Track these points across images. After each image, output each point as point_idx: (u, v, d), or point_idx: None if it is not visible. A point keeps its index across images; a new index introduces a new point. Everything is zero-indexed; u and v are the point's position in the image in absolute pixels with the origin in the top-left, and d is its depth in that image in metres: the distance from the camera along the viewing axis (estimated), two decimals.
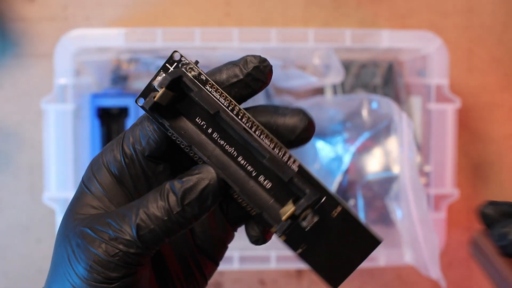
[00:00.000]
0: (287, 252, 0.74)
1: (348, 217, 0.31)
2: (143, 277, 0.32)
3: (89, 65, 0.77)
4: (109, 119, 0.80)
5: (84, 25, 0.80)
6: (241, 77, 0.32)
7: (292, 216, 0.30)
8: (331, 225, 0.31)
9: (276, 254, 0.74)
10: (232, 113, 0.31)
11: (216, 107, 0.31)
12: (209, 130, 0.32)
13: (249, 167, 0.32)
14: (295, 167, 0.31)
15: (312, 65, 0.76)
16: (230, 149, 0.32)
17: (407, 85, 0.81)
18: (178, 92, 0.32)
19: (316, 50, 0.75)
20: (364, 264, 0.31)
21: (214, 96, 0.31)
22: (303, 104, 0.80)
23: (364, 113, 0.77)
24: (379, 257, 0.75)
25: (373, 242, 0.31)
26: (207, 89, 0.31)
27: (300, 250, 0.31)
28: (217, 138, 0.32)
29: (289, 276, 0.83)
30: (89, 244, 0.31)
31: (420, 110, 0.79)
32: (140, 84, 0.80)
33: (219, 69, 0.33)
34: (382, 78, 0.81)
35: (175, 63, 0.32)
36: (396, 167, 0.76)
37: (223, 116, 0.31)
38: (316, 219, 0.30)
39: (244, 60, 0.32)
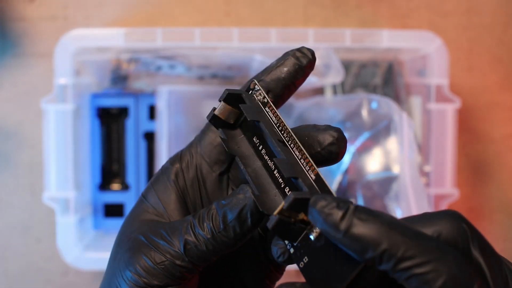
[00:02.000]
0: None
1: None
2: None
3: (89, 65, 0.77)
4: (109, 119, 0.80)
5: (84, 25, 0.80)
6: (289, 55, 0.35)
7: (281, 211, 0.29)
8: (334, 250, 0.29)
9: None
10: (278, 129, 0.33)
11: (260, 118, 0.33)
12: (260, 147, 0.34)
13: (280, 180, 0.32)
14: (312, 175, 0.31)
15: None
16: (271, 164, 0.33)
17: (407, 85, 0.81)
18: (240, 110, 0.34)
19: (316, 50, 0.75)
20: None
21: (268, 114, 0.33)
22: (303, 104, 0.80)
23: (364, 113, 0.77)
24: None
25: (355, 266, 0.28)
26: (265, 111, 0.34)
27: (302, 264, 0.30)
28: (263, 153, 0.34)
29: (289, 276, 0.83)
30: (139, 249, 0.32)
31: (420, 110, 0.79)
32: (140, 84, 0.80)
33: (273, 62, 0.35)
34: (382, 78, 0.81)
35: (250, 91, 0.35)
36: (396, 167, 0.76)
37: (259, 124, 0.33)
38: (318, 231, 0.29)
39: (293, 54, 0.35)
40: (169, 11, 0.81)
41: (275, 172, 0.32)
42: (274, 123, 0.33)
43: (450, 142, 0.75)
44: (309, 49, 0.35)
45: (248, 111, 0.33)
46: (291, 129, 0.33)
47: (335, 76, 0.73)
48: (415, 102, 0.79)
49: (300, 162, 0.31)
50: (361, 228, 0.26)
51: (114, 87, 0.80)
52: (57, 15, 0.80)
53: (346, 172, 0.78)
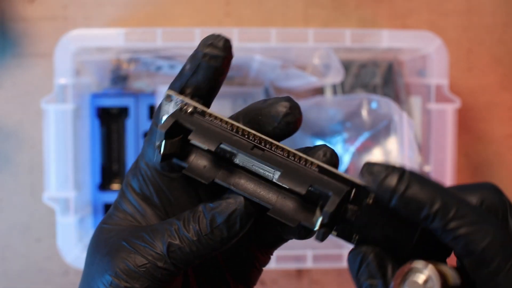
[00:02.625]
0: (287, 252, 0.74)
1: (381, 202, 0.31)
2: None
3: (89, 65, 0.77)
4: (109, 119, 0.80)
5: (84, 25, 0.80)
6: (199, 61, 0.31)
7: (322, 225, 0.30)
8: (372, 211, 0.31)
9: (276, 254, 0.74)
10: (238, 134, 0.31)
11: (217, 138, 0.31)
12: (227, 155, 0.32)
13: (275, 187, 0.32)
14: (315, 168, 0.31)
15: (312, 65, 0.76)
16: (253, 169, 0.32)
17: (407, 85, 0.81)
18: (182, 133, 0.32)
19: (316, 50, 0.75)
20: None
21: (215, 125, 0.31)
22: (303, 104, 0.80)
23: (364, 113, 0.77)
24: None
25: None
26: (207, 120, 0.32)
27: (354, 241, 0.32)
28: (237, 163, 0.32)
29: (289, 276, 0.83)
30: (119, 252, 0.31)
31: (420, 110, 0.79)
32: (140, 84, 0.80)
33: (185, 64, 0.32)
34: (382, 78, 0.81)
35: (171, 103, 0.32)
36: None
37: (225, 147, 0.31)
38: (355, 208, 0.31)
39: (199, 43, 0.32)
40: (169, 11, 0.81)
41: (261, 172, 0.32)
42: (230, 130, 0.31)
43: (450, 142, 0.75)
44: (219, 41, 0.32)
45: (201, 139, 0.31)
46: (242, 115, 0.32)
47: (335, 76, 0.73)
48: (415, 102, 0.79)
49: (290, 161, 0.31)
50: (417, 189, 0.28)
51: (114, 87, 0.80)
52: (57, 15, 0.80)
53: (346, 172, 0.78)
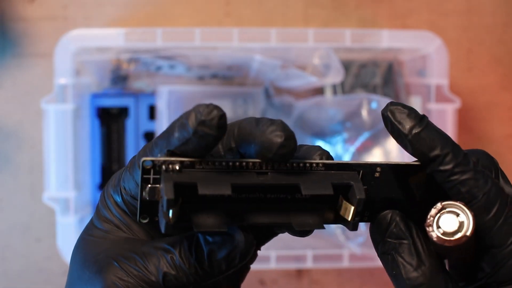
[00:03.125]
0: (287, 252, 0.74)
1: (389, 168, 0.33)
2: None
3: (89, 65, 0.77)
4: (109, 119, 0.80)
5: (84, 25, 0.80)
6: (189, 136, 0.29)
7: (357, 213, 0.31)
8: (380, 184, 0.33)
9: (276, 254, 0.74)
10: (236, 170, 0.30)
11: (226, 182, 0.29)
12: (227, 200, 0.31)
13: (282, 195, 0.31)
14: (321, 168, 0.31)
15: (312, 65, 0.76)
16: (255, 195, 0.31)
17: (407, 85, 0.81)
18: (181, 195, 0.30)
19: (316, 50, 0.75)
20: (364, 264, 0.31)
21: (210, 170, 0.30)
22: (303, 104, 0.80)
23: (364, 113, 0.77)
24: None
25: (420, 170, 0.33)
26: (199, 169, 0.30)
27: (366, 218, 0.33)
28: (238, 196, 0.31)
29: (289, 276, 0.83)
30: (110, 273, 0.31)
31: (420, 110, 0.79)
32: (140, 84, 0.80)
33: (172, 129, 0.30)
34: (382, 78, 0.81)
35: (151, 170, 0.29)
36: None
37: (238, 185, 0.30)
38: (364, 188, 0.32)
39: (193, 113, 0.29)
40: (169, 11, 0.81)
41: (269, 196, 0.31)
42: (225, 169, 0.30)
43: None
44: (212, 120, 0.29)
45: (211, 188, 0.29)
46: (234, 138, 0.31)
47: (335, 76, 0.73)
48: (415, 102, 0.79)
49: (296, 170, 0.31)
50: (434, 131, 0.31)
51: (114, 87, 0.80)
52: (57, 15, 0.80)
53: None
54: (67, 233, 0.72)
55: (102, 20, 0.80)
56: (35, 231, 0.81)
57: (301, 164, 0.31)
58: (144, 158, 0.29)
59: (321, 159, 0.32)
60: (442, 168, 0.31)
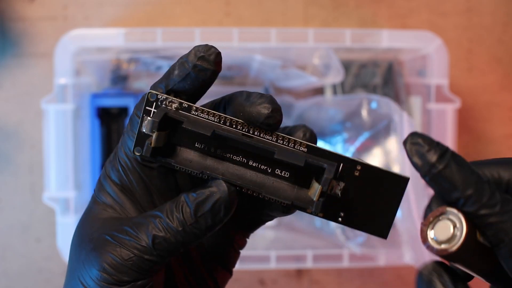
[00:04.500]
0: (287, 252, 0.74)
1: (370, 170, 0.32)
2: (154, 284, 0.33)
3: (89, 65, 0.77)
4: (109, 119, 0.80)
5: (84, 25, 0.80)
6: (189, 70, 0.32)
7: (322, 193, 0.32)
8: (358, 184, 0.32)
9: (276, 254, 0.74)
10: (226, 125, 0.32)
11: (210, 127, 0.32)
12: (212, 149, 0.33)
13: (262, 167, 0.33)
14: (303, 149, 0.32)
15: (312, 65, 0.76)
16: (239, 158, 0.33)
17: (407, 85, 0.81)
18: (169, 128, 0.33)
19: (316, 50, 0.75)
20: (364, 264, 0.31)
21: (203, 117, 0.32)
22: (303, 104, 0.80)
23: (364, 113, 0.77)
24: (379, 257, 0.75)
25: (402, 182, 0.33)
26: (194, 114, 0.32)
27: (340, 219, 0.33)
28: (222, 154, 0.33)
29: (289, 276, 0.83)
30: (105, 247, 0.32)
31: (420, 110, 0.79)
32: (140, 84, 0.80)
33: (173, 66, 0.33)
34: (382, 78, 0.81)
35: (154, 103, 0.33)
36: (396, 167, 0.76)
37: (219, 132, 0.32)
38: (342, 184, 0.32)
39: (192, 52, 0.32)
40: (169, 11, 0.81)
41: (250, 163, 0.33)
42: (217, 122, 0.32)
43: (450, 142, 0.75)
44: (210, 55, 0.32)
45: (198, 127, 0.32)
46: (225, 105, 0.33)
47: (335, 76, 0.73)
48: (415, 102, 0.79)
49: (280, 143, 0.32)
50: (455, 170, 0.29)
51: (114, 87, 0.80)
52: (57, 15, 0.80)
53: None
54: (67, 233, 0.72)
55: (102, 20, 0.80)
56: (35, 231, 0.81)
57: (286, 140, 0.32)
58: (150, 90, 0.32)
59: (304, 135, 0.33)
60: (466, 210, 0.29)
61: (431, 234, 0.30)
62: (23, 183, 0.80)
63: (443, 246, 0.29)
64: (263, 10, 0.82)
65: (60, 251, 0.72)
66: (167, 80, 0.33)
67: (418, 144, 0.30)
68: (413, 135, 0.30)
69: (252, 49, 0.74)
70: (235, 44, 0.72)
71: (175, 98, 0.33)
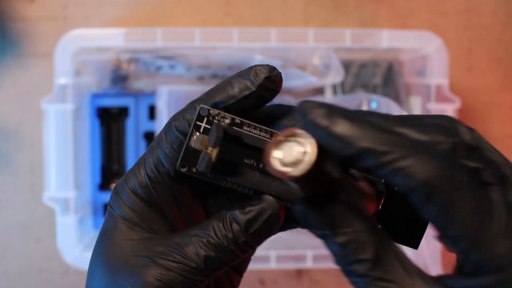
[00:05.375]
0: (287, 251, 0.74)
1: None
2: None
3: (89, 65, 0.77)
4: (109, 119, 0.80)
5: (84, 25, 0.80)
6: (253, 89, 0.32)
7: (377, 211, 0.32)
8: (395, 196, 0.32)
9: (276, 254, 0.74)
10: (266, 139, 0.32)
11: (264, 143, 0.32)
12: (260, 165, 0.32)
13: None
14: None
15: (312, 65, 0.76)
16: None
17: (407, 85, 0.81)
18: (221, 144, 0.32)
19: (316, 50, 0.75)
20: None
21: (255, 134, 0.32)
22: None
23: None
24: None
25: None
26: (246, 130, 0.32)
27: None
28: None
29: (289, 276, 0.83)
30: (148, 272, 0.31)
31: (420, 110, 0.79)
32: (140, 84, 0.80)
33: (229, 83, 0.33)
34: (382, 78, 0.81)
35: (205, 118, 0.32)
36: None
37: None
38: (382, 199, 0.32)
39: (254, 71, 0.32)
40: (169, 11, 0.81)
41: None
42: (269, 138, 0.32)
43: None
44: (275, 76, 0.32)
45: (256, 143, 0.32)
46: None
47: (335, 76, 0.73)
48: (415, 102, 0.79)
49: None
50: (345, 126, 0.26)
51: (114, 87, 0.80)
52: (57, 15, 0.80)
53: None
54: (67, 233, 0.72)
55: (102, 20, 0.80)
56: (35, 231, 0.81)
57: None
58: (202, 105, 0.32)
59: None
60: (366, 166, 0.26)
61: (277, 153, 0.28)
62: (23, 183, 0.80)
63: (286, 168, 0.27)
64: (263, 10, 0.82)
65: (60, 251, 0.72)
66: (225, 95, 0.32)
67: (304, 108, 0.27)
68: (302, 101, 0.28)
69: (252, 49, 0.74)
70: (235, 44, 0.72)
71: (228, 114, 0.32)
